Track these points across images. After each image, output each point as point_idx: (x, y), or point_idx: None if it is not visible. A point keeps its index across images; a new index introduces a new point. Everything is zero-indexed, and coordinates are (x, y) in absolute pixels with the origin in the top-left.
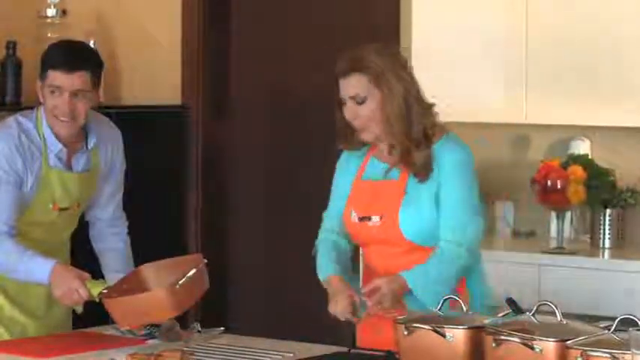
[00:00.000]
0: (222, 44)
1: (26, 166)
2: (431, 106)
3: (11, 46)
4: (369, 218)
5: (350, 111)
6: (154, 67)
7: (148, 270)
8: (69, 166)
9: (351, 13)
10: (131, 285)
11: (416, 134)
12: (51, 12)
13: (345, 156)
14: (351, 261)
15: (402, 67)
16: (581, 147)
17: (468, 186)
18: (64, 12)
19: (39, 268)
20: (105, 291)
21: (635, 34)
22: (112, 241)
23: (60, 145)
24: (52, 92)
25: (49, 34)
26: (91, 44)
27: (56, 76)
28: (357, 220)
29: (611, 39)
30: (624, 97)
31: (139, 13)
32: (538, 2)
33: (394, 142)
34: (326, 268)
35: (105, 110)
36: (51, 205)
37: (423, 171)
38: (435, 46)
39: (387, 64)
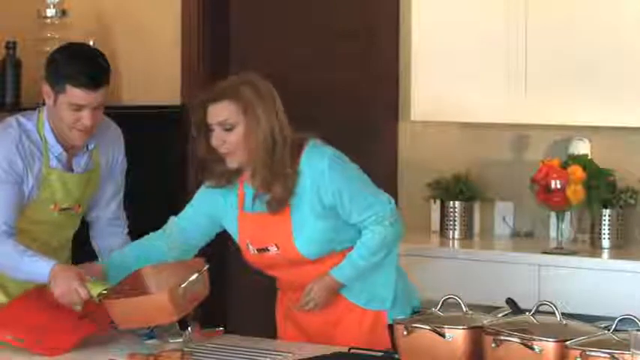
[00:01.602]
0: (222, 44)
1: (26, 167)
2: (296, 140)
3: (11, 46)
4: (267, 249)
5: (217, 137)
6: (153, 66)
7: (149, 272)
8: (69, 168)
9: (351, 13)
10: (131, 286)
11: (276, 167)
12: (51, 12)
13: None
14: None
15: (270, 100)
16: (581, 147)
17: (350, 176)
18: (63, 12)
19: (39, 268)
20: (105, 292)
21: (635, 35)
22: (111, 242)
23: (60, 149)
24: (75, 109)
25: (49, 34)
26: (91, 44)
27: (80, 95)
28: (255, 252)
29: (611, 39)
30: (624, 97)
31: (139, 13)
32: (538, 2)
33: (253, 170)
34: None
35: (104, 110)
36: (52, 206)
37: (278, 205)
38: (435, 46)
39: (257, 97)
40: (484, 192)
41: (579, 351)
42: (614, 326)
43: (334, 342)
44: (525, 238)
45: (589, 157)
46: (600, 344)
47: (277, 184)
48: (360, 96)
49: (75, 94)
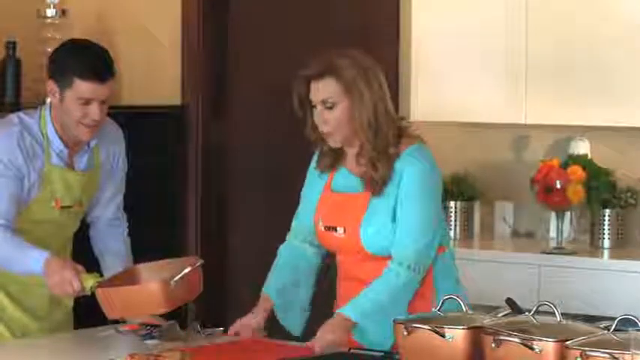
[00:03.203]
0: (222, 44)
1: (27, 163)
2: (399, 119)
3: (11, 46)
4: (335, 229)
5: (319, 115)
6: (153, 66)
7: (143, 269)
8: (71, 165)
9: (352, 13)
10: (124, 281)
11: (380, 145)
12: (51, 12)
13: (315, 160)
14: (320, 268)
15: (374, 78)
16: (581, 147)
17: (420, 203)
18: (63, 12)
19: (33, 259)
20: (96, 284)
21: (636, 34)
22: (111, 242)
23: (62, 146)
24: (83, 103)
25: (49, 34)
26: None
27: (88, 88)
28: (323, 229)
29: (611, 39)
30: (624, 97)
31: (139, 13)
32: (538, 2)
33: (360, 149)
34: (267, 282)
35: None
36: (53, 203)
37: (379, 185)
38: (434, 46)
39: (360, 73)
40: (484, 192)
41: (579, 351)
42: (614, 326)
43: None
44: (525, 238)
45: (589, 157)
46: (600, 344)
47: (381, 163)
48: None
49: (83, 87)
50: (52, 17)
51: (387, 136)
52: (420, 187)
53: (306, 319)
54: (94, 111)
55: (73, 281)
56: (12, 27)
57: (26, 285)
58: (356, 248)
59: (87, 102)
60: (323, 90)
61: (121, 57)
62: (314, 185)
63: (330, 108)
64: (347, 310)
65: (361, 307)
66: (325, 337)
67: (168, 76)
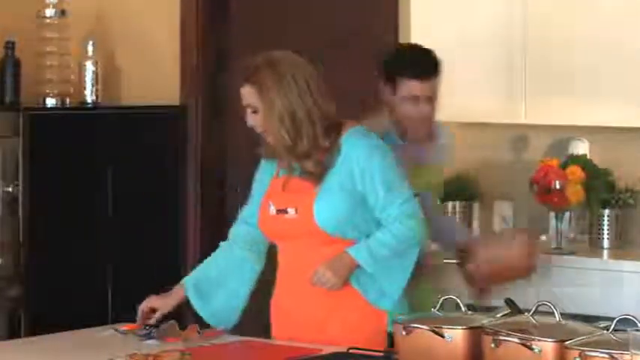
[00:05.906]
0: (222, 44)
1: None
2: (334, 119)
3: (10, 46)
4: (286, 211)
5: (248, 117)
6: (153, 67)
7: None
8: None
9: (351, 13)
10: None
11: (302, 148)
12: (50, 12)
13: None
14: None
15: (292, 84)
16: (580, 147)
17: (383, 165)
18: (63, 12)
19: None
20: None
21: (635, 34)
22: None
23: (399, 141)
24: (410, 100)
25: (48, 34)
26: (91, 44)
27: (412, 85)
28: (274, 213)
29: (611, 39)
30: (624, 97)
31: (139, 13)
32: (538, 3)
33: (279, 153)
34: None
35: (104, 110)
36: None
37: (314, 177)
38: (434, 46)
39: (274, 80)
40: (484, 192)
41: (578, 351)
42: (612, 326)
43: (325, 335)
44: None
45: (588, 158)
46: (599, 344)
47: (308, 160)
48: (358, 97)
49: (408, 85)
50: (51, 17)
51: (311, 136)
52: (376, 153)
53: (238, 314)
54: (422, 107)
55: None
56: (12, 27)
57: None
58: (309, 228)
59: (414, 99)
60: (244, 96)
61: (121, 57)
62: (263, 175)
63: (254, 112)
64: (357, 253)
65: (370, 251)
66: (326, 274)
67: (168, 76)
